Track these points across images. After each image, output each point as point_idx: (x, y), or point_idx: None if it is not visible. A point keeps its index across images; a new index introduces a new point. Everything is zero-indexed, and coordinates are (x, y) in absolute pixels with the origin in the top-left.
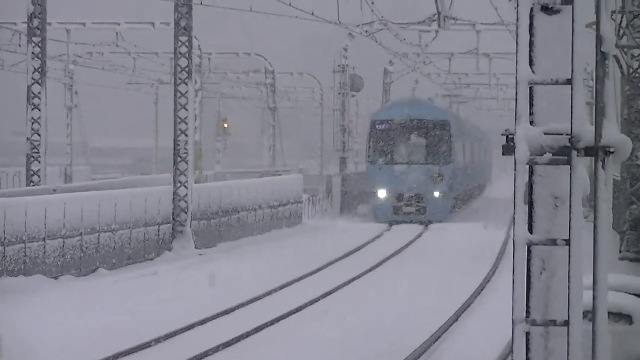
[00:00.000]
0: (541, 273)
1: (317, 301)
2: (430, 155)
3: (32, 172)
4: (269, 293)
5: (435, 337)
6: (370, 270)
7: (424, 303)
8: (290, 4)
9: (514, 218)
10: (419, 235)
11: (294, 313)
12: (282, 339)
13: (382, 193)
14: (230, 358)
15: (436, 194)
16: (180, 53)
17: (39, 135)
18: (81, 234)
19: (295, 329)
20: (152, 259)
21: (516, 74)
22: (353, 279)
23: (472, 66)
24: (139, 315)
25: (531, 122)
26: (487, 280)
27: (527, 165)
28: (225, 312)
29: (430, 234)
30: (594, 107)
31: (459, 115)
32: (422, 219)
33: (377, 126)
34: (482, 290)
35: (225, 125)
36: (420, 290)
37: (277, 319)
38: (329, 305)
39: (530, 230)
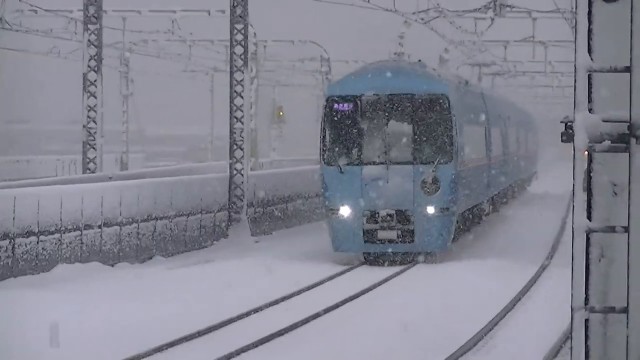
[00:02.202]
0: (600, 260)
1: (371, 289)
2: (420, 151)
3: (88, 160)
4: (322, 282)
5: None
6: None
7: None
8: None
9: (572, 205)
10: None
11: (350, 301)
12: (338, 329)
13: (345, 211)
14: (285, 347)
15: (430, 210)
16: (236, 41)
17: (95, 122)
18: (137, 221)
19: (349, 318)
20: (208, 247)
21: (575, 61)
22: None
23: (528, 54)
24: (193, 302)
25: (590, 110)
26: None
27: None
28: (282, 299)
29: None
30: None
31: (481, 88)
32: (409, 250)
33: (336, 107)
34: None
35: (281, 113)
36: None
37: (334, 307)
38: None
39: (589, 217)
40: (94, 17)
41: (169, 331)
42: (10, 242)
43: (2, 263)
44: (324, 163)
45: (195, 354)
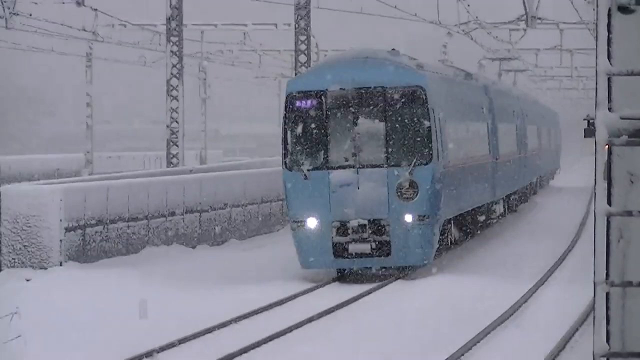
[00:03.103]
0: (619, 241)
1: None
2: (395, 151)
3: (171, 155)
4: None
5: None
6: None
7: None
8: (395, 7)
9: (594, 192)
10: None
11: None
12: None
13: (311, 222)
14: (329, 323)
15: (407, 218)
16: (300, 50)
17: (177, 123)
18: (215, 208)
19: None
20: (276, 231)
21: (596, 66)
22: None
23: (556, 61)
24: (263, 279)
25: (609, 109)
26: None
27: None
28: (335, 280)
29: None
30: None
31: (488, 82)
32: (385, 264)
33: (297, 104)
34: None
35: None
36: None
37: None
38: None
39: (609, 203)
40: (175, 30)
41: (240, 306)
42: (104, 227)
43: (97, 245)
44: (286, 168)
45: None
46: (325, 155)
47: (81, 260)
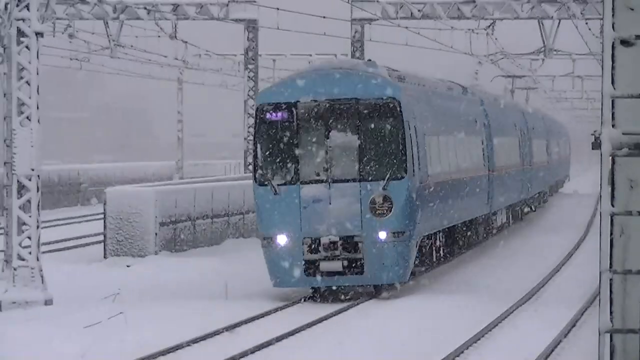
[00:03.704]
0: (620, 236)
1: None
2: (368, 165)
3: (249, 163)
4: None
5: None
6: None
7: None
8: (434, 40)
9: (600, 196)
10: None
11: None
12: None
13: (281, 239)
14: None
15: (381, 235)
16: None
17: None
18: None
19: None
20: None
21: (602, 90)
22: None
23: (569, 85)
24: None
25: (613, 126)
26: None
27: (610, 157)
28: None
29: None
30: None
31: (485, 96)
32: (358, 283)
33: (268, 116)
34: None
35: None
36: None
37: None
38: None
39: (612, 204)
40: (252, 59)
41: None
42: (191, 223)
43: (185, 237)
44: (256, 182)
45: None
46: (296, 169)
47: (172, 249)
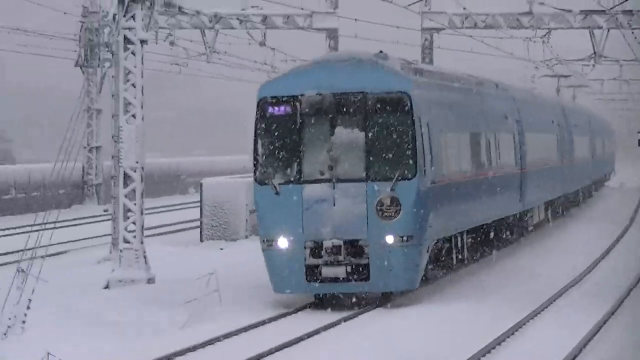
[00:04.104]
0: None
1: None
2: (375, 164)
3: None
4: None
5: None
6: None
7: None
8: (496, 47)
9: None
10: None
11: None
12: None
13: (282, 242)
14: None
15: (388, 239)
16: None
17: None
18: None
19: None
20: None
21: None
22: None
23: (617, 87)
24: None
25: None
26: None
27: None
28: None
29: None
30: None
31: (511, 87)
32: (363, 290)
33: (270, 111)
34: None
35: None
36: None
37: None
38: None
39: None
40: None
41: None
42: None
43: None
44: (257, 182)
45: None
46: (298, 168)
47: None
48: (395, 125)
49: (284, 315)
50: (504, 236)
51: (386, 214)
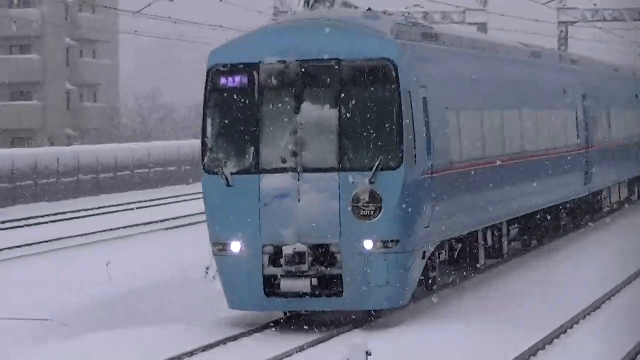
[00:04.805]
0: None
1: None
2: (351, 149)
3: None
4: None
5: None
6: None
7: None
8: (621, 37)
9: None
10: None
11: None
12: None
13: (236, 247)
14: None
15: (367, 244)
16: None
17: None
18: None
19: None
20: None
21: None
22: None
23: None
24: None
25: None
26: None
27: None
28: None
29: None
30: None
31: (571, 55)
32: (335, 307)
33: (222, 82)
34: None
35: None
36: None
37: None
38: None
39: None
40: None
41: None
42: None
43: None
44: (205, 170)
45: None
46: (255, 154)
47: None
48: (376, 100)
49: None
50: (563, 223)
51: (364, 212)
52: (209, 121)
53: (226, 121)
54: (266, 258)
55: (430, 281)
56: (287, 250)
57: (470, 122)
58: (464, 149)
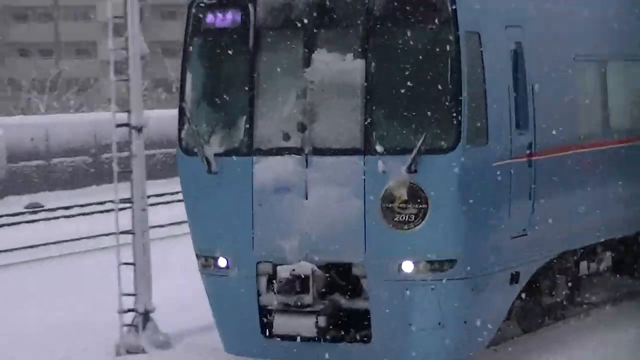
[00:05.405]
0: None
1: None
2: (384, 123)
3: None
4: None
5: None
6: None
7: None
8: None
9: None
10: None
11: None
12: None
13: (223, 262)
14: None
15: (406, 266)
16: None
17: None
18: None
19: None
20: None
21: None
22: None
23: None
24: None
25: None
26: None
27: None
28: None
29: None
30: None
31: None
32: (359, 357)
33: (208, 20)
34: None
35: None
36: None
37: None
38: None
39: None
40: None
41: None
42: None
43: None
44: (182, 150)
45: None
46: (249, 126)
47: None
48: (423, 47)
49: None
50: None
51: (401, 216)
52: (188, 78)
53: (211, 77)
54: (263, 281)
55: (535, 318)
56: (283, 272)
57: (600, 80)
58: (593, 120)
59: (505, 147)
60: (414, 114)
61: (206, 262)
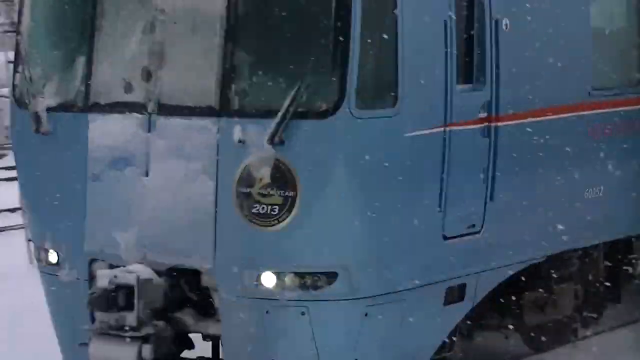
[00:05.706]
0: None
1: None
2: (247, 75)
3: None
4: None
5: None
6: None
7: None
8: None
9: None
10: None
11: None
12: None
13: (53, 257)
14: None
15: (266, 279)
16: None
17: None
18: None
19: None
20: None
21: None
22: None
23: None
24: None
25: None
26: None
27: None
28: None
29: None
30: None
31: None
32: None
33: None
34: None
35: None
36: None
37: None
38: None
39: None
40: None
41: None
42: None
43: None
44: (15, 101)
45: None
46: (86, 73)
47: None
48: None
49: None
50: None
51: (261, 207)
52: (25, 11)
53: (48, 10)
54: (89, 280)
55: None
56: (101, 279)
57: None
58: (595, 72)
59: (435, 110)
60: (288, 59)
61: (38, 254)
